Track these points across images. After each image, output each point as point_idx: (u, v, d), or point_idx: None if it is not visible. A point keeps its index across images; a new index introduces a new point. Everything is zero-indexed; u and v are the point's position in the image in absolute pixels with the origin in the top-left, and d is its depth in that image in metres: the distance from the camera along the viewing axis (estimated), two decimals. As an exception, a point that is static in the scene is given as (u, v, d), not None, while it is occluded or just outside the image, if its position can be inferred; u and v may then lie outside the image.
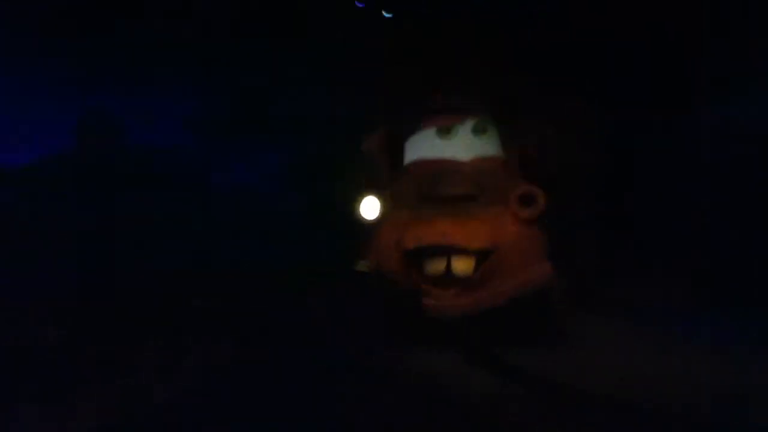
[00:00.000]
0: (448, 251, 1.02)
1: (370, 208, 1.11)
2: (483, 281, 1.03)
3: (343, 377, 1.03)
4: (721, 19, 1.22)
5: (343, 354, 1.11)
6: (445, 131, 1.14)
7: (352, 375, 1.04)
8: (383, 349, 1.13)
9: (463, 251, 1.03)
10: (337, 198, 1.25)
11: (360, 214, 1.11)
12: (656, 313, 1.24)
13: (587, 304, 1.24)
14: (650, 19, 1.28)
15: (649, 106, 1.31)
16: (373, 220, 1.11)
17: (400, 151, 1.20)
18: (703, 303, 1.22)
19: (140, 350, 1.17)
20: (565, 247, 1.14)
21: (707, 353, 1.09)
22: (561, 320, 1.13)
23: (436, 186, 1.08)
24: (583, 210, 1.26)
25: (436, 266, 1.02)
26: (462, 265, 1.02)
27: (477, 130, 1.14)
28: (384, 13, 1.36)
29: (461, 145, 1.14)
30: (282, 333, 1.25)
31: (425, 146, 1.15)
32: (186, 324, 1.28)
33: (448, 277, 1.02)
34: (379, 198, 1.11)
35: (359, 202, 1.11)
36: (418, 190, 1.09)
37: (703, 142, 1.27)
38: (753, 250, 1.18)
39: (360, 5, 1.39)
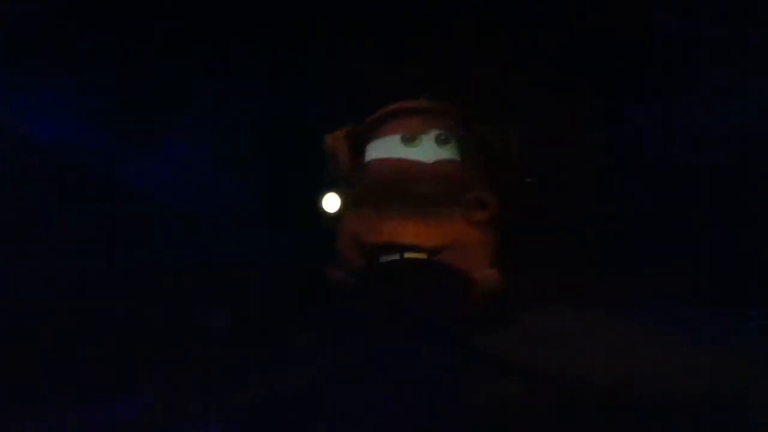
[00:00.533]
0: (401, 248, 1.06)
1: (330, 203, 1.15)
2: None
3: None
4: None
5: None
6: (409, 139, 1.15)
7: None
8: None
9: (415, 249, 1.06)
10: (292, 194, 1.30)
11: (322, 209, 1.15)
12: (630, 308, 1.22)
13: (557, 300, 1.23)
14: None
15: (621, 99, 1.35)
16: (334, 214, 1.14)
17: (360, 150, 1.21)
18: (681, 299, 1.21)
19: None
20: (534, 248, 1.17)
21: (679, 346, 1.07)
22: (512, 320, 1.12)
23: (398, 184, 1.11)
24: (556, 211, 1.30)
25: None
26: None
27: (440, 141, 1.16)
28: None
29: (424, 151, 1.15)
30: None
31: (388, 149, 1.16)
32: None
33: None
34: (340, 194, 1.14)
35: (320, 198, 1.15)
36: (379, 187, 1.12)
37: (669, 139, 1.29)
38: (729, 244, 1.22)
39: None
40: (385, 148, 1.17)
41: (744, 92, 1.21)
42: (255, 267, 1.30)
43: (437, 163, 1.14)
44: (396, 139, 1.17)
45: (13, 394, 0.98)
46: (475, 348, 1.07)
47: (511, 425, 0.89)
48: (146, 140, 1.41)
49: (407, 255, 1.06)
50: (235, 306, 1.24)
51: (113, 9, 1.30)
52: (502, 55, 1.39)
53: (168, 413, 0.97)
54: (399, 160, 1.15)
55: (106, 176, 1.35)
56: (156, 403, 0.99)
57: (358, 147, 1.23)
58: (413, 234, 1.07)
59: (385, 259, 1.08)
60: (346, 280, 1.12)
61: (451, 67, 1.38)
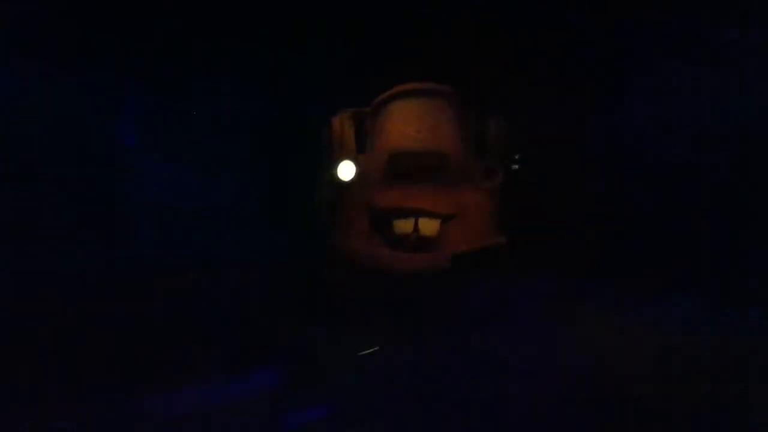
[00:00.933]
0: (416, 213, 1.12)
1: (346, 170, 1.18)
2: (445, 242, 1.12)
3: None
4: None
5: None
6: (409, 135, 1.18)
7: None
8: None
9: (430, 214, 1.12)
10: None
11: (335, 177, 1.18)
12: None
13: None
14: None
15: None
16: (348, 182, 1.17)
17: (366, 132, 1.25)
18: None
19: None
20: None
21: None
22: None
23: (406, 156, 1.15)
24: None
25: (405, 226, 1.12)
26: (429, 226, 1.12)
27: (444, 120, 1.20)
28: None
29: (430, 128, 1.19)
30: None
31: (396, 126, 1.20)
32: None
33: (415, 236, 1.12)
34: (354, 162, 1.18)
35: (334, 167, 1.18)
36: (390, 158, 1.16)
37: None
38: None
39: None
40: (394, 124, 1.20)
41: (740, 93, 1.23)
42: (254, 266, 1.31)
43: (442, 138, 1.18)
44: (404, 116, 1.20)
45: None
46: (475, 345, 1.12)
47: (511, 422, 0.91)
48: (145, 140, 1.40)
49: (421, 220, 1.11)
50: (235, 305, 1.25)
51: (113, 9, 1.30)
52: (499, 52, 1.44)
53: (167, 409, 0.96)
54: (406, 135, 1.18)
55: (105, 177, 1.35)
56: (155, 399, 0.97)
57: (362, 129, 1.28)
58: (427, 199, 1.12)
59: (398, 222, 1.12)
60: (346, 278, 1.15)
61: (449, 62, 1.40)
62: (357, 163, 1.19)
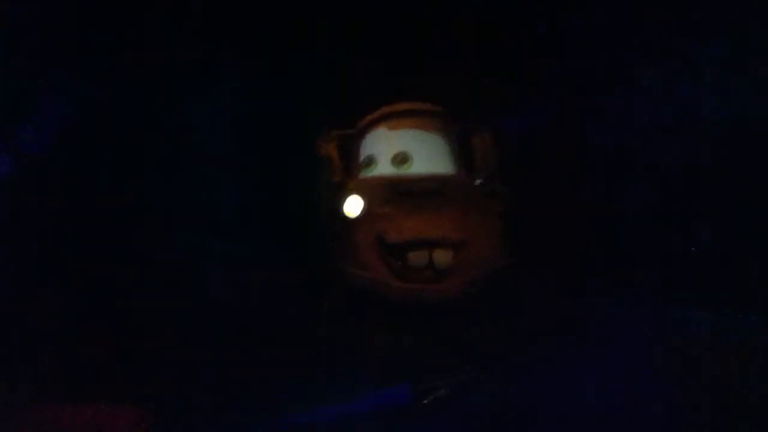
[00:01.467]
0: (430, 244, 1.09)
1: (354, 205, 1.15)
2: (456, 270, 1.11)
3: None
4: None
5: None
6: (401, 161, 1.19)
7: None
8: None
9: (443, 244, 1.10)
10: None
11: (343, 212, 1.16)
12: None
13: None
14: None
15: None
16: (357, 217, 1.15)
17: (353, 154, 1.26)
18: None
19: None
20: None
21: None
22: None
23: (406, 183, 1.14)
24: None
25: (420, 259, 1.09)
26: (444, 258, 1.10)
27: (433, 142, 1.21)
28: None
29: (421, 152, 1.21)
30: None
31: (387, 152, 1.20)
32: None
33: (431, 268, 1.10)
34: (360, 195, 1.15)
35: (340, 202, 1.16)
36: (386, 187, 1.15)
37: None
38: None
39: None
40: (383, 145, 1.21)
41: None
42: (267, 267, 1.30)
43: (436, 162, 1.19)
44: (386, 129, 1.22)
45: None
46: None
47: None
48: (145, 140, 1.39)
49: (436, 251, 1.09)
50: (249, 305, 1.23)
51: (112, 9, 1.29)
52: (473, 65, 1.43)
53: (177, 412, 0.99)
54: (405, 160, 1.18)
55: (105, 176, 1.34)
56: (163, 402, 0.99)
57: (349, 151, 1.28)
58: (440, 230, 1.10)
59: (412, 255, 1.10)
60: (372, 282, 1.13)
61: (425, 78, 1.41)
62: (363, 193, 1.16)
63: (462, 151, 1.25)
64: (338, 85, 1.40)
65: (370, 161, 1.21)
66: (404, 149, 1.19)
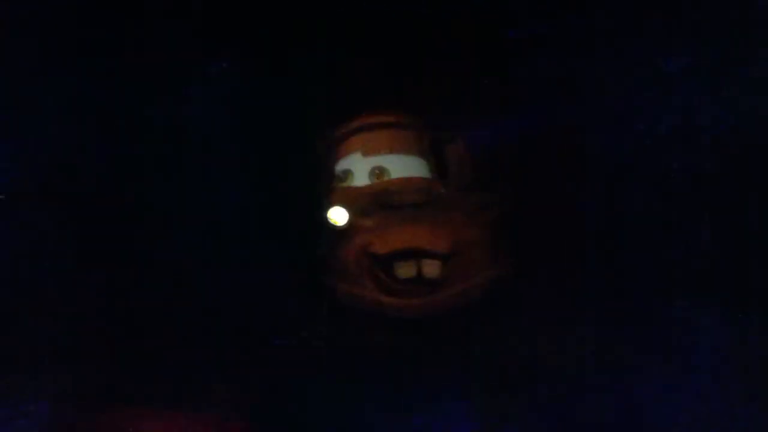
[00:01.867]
0: (418, 255, 1.06)
1: (338, 216, 1.13)
2: (448, 282, 1.08)
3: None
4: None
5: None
6: (378, 174, 1.17)
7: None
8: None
9: (432, 254, 1.07)
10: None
11: (328, 223, 1.13)
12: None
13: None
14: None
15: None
16: (342, 226, 1.12)
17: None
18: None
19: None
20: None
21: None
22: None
23: (391, 194, 1.12)
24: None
25: (408, 270, 1.06)
26: (432, 268, 1.07)
27: (408, 152, 1.18)
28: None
29: (398, 163, 1.18)
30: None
31: (363, 165, 1.18)
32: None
33: (419, 280, 1.07)
34: (345, 206, 1.13)
35: (325, 211, 1.13)
36: (368, 197, 1.13)
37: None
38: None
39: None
40: (359, 163, 1.18)
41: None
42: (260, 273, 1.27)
43: (413, 173, 1.17)
44: (364, 169, 1.18)
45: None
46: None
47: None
48: (144, 140, 1.39)
49: (424, 262, 1.06)
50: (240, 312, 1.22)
51: (110, 8, 1.27)
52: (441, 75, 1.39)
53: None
54: (381, 173, 1.16)
55: (104, 177, 1.33)
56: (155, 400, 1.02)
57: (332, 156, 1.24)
58: (428, 239, 1.07)
59: (400, 267, 1.07)
60: (361, 299, 1.10)
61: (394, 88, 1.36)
62: (349, 204, 1.13)
63: (437, 162, 1.22)
64: (338, 84, 1.38)
65: (346, 175, 1.19)
66: (381, 164, 1.17)
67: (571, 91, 1.36)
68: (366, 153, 1.18)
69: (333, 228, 1.13)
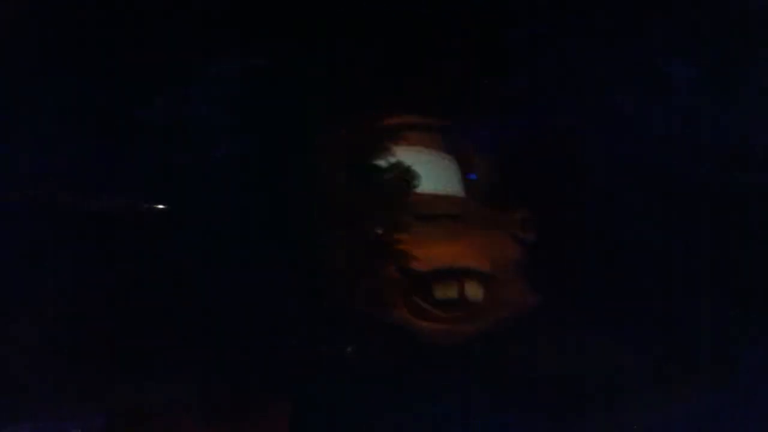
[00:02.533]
0: (460, 274, 0.98)
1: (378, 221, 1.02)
2: (488, 307, 1.00)
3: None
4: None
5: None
6: (420, 179, 1.09)
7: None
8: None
9: (473, 273, 0.98)
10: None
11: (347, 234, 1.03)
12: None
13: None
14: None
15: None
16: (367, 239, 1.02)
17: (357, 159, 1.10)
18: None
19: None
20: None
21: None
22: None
23: (431, 204, 1.03)
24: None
25: (449, 290, 0.97)
26: (475, 290, 0.98)
27: (447, 159, 1.10)
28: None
29: (440, 170, 1.10)
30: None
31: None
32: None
33: (459, 303, 0.98)
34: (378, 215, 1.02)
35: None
36: (403, 208, 1.03)
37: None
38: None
39: None
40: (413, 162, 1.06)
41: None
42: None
43: (445, 183, 1.09)
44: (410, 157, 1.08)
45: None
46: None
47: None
48: (143, 140, 1.34)
49: (468, 282, 0.98)
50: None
51: (108, 8, 1.20)
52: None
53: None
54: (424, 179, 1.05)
55: (104, 178, 1.27)
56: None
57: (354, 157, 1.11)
58: (473, 257, 0.99)
59: (441, 287, 0.98)
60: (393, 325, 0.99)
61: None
62: (379, 220, 1.02)
63: (464, 174, 1.13)
64: (338, 84, 1.31)
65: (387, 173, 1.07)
66: (425, 168, 1.06)
67: (571, 91, 1.37)
68: (413, 152, 1.07)
69: (354, 239, 1.02)
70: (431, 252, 0.98)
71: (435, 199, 1.04)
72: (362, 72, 1.27)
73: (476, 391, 1.02)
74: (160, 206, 1.22)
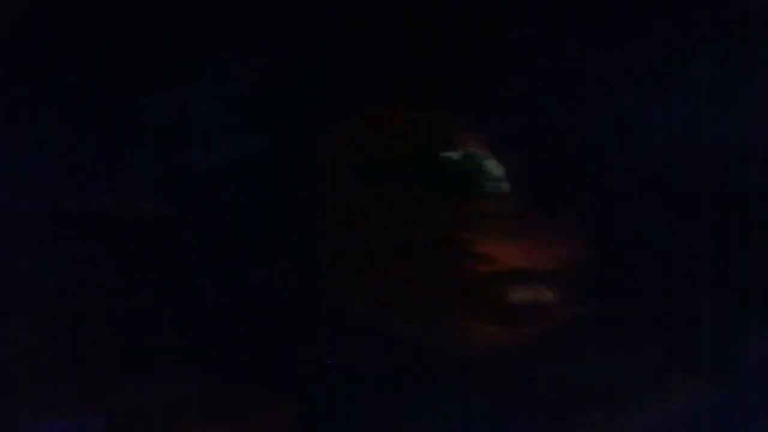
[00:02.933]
0: (511, 276, 0.93)
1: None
2: (543, 311, 0.96)
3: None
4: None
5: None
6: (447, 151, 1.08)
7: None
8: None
9: (547, 277, 0.94)
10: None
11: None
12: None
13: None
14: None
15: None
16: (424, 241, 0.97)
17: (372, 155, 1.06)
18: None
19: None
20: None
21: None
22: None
23: (495, 202, 0.97)
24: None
25: (525, 294, 0.93)
26: (547, 293, 0.94)
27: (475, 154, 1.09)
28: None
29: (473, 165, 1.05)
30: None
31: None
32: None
33: (532, 306, 0.94)
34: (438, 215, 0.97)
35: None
36: (473, 205, 0.97)
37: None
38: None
39: None
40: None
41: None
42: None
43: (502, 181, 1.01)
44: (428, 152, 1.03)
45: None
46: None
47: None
48: (143, 140, 1.35)
49: (536, 286, 0.94)
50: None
51: (108, 8, 1.22)
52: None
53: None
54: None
55: (102, 178, 1.28)
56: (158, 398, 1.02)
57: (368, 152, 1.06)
58: (546, 258, 0.95)
59: (515, 290, 0.93)
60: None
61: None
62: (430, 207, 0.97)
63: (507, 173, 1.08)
64: (338, 84, 1.32)
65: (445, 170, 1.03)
66: (485, 167, 1.00)
67: (571, 91, 1.37)
68: (459, 151, 1.01)
69: (408, 240, 0.97)
70: (497, 251, 0.94)
71: (493, 198, 0.98)
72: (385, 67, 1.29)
73: (479, 393, 1.01)
74: (161, 206, 1.23)
